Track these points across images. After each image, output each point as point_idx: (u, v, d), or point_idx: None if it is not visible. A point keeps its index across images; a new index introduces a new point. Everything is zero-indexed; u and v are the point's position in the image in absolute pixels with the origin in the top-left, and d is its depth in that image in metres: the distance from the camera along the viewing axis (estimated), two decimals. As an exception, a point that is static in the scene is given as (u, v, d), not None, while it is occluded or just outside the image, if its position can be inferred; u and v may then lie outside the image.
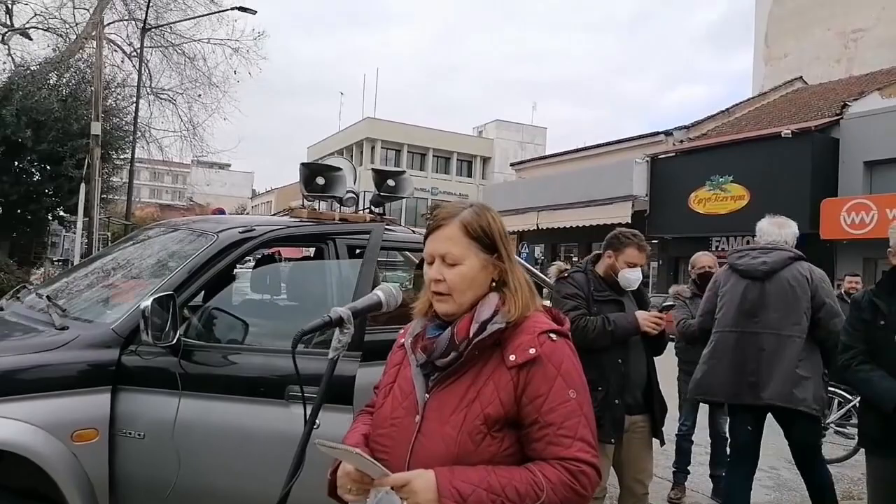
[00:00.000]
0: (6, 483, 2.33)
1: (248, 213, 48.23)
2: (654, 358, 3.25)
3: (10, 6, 16.06)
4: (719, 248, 18.02)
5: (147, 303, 2.34)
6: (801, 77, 24.59)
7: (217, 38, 18.63)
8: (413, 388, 1.44)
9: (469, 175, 45.51)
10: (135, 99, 17.41)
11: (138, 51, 17.56)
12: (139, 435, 2.46)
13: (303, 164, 3.34)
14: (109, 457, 2.42)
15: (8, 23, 16.18)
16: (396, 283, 1.81)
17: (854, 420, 6.04)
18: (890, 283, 2.76)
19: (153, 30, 17.87)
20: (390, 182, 3.57)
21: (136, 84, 17.51)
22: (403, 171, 3.75)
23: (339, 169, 3.38)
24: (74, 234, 14.42)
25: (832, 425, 6.21)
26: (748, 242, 17.27)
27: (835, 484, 3.61)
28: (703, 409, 4.60)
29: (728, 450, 4.13)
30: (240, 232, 2.91)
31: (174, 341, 2.42)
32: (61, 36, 16.35)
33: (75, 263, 10.46)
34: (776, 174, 16.78)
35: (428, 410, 1.39)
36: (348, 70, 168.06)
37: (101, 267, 3.44)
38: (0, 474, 2.30)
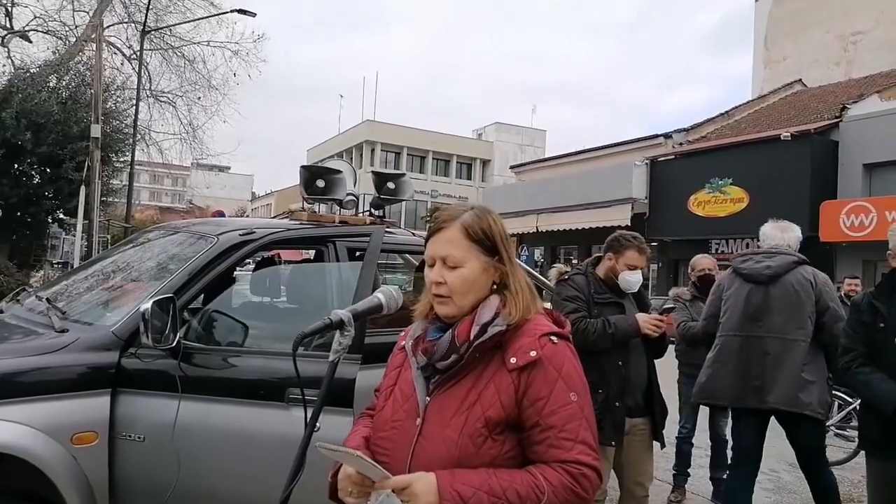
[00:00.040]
0: (6, 485, 2.33)
1: (247, 216, 48.25)
2: (655, 360, 3.25)
3: (9, 9, 16.07)
4: (719, 251, 18.06)
5: (147, 305, 2.34)
6: (800, 80, 24.63)
7: (217, 40, 18.49)
8: (414, 390, 1.44)
9: (469, 178, 45.52)
10: (134, 101, 17.41)
11: (138, 53, 17.56)
12: (139, 438, 2.45)
13: (303, 167, 3.34)
14: (109, 459, 2.42)
15: (7, 25, 16.17)
16: (396, 285, 1.81)
17: (854, 422, 6.04)
18: (889, 285, 2.76)
19: (153, 32, 17.87)
20: (390, 185, 3.58)
21: (135, 87, 17.51)
22: (403, 174, 3.75)
23: (339, 171, 3.39)
24: (74, 236, 14.41)
25: (832, 428, 6.20)
26: (747, 245, 17.35)
27: (835, 486, 3.61)
28: (704, 412, 4.60)
29: (729, 452, 4.13)
30: (240, 235, 2.91)
31: (174, 344, 2.42)
32: (61, 39, 16.34)
33: (75, 266, 10.45)
34: (775, 177, 16.80)
35: (429, 413, 1.39)
36: (348, 73, 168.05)
37: (101, 269, 3.44)
38: (0, 477, 2.30)
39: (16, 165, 14.50)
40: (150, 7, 16.84)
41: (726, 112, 23.75)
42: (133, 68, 18.12)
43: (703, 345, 4.15)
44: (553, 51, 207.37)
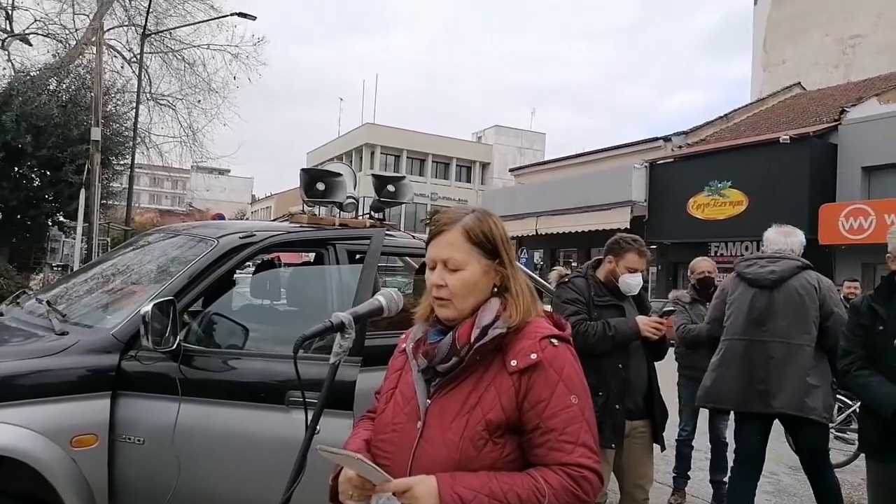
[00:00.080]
0: (5, 489, 2.32)
1: (247, 219, 48.25)
2: (655, 363, 3.25)
3: (9, 12, 16.08)
4: (718, 254, 18.07)
5: (147, 308, 2.34)
6: (799, 83, 24.67)
7: (217, 43, 18.52)
8: (415, 393, 1.44)
9: (468, 180, 45.56)
10: (134, 104, 17.41)
11: (138, 56, 17.56)
12: (139, 440, 2.45)
13: (303, 170, 3.35)
14: (109, 462, 2.42)
15: (8, 28, 16.19)
16: (395, 288, 1.81)
17: (854, 425, 6.04)
18: (888, 288, 2.76)
19: (153, 35, 17.88)
20: (390, 187, 3.58)
21: (135, 90, 17.50)
22: (403, 177, 3.76)
23: (340, 174, 3.39)
24: (74, 239, 14.39)
25: (833, 430, 6.20)
26: (746, 248, 17.37)
27: (835, 489, 3.61)
28: (703, 415, 4.60)
29: (729, 455, 4.13)
30: (240, 237, 2.91)
31: (174, 346, 2.42)
32: (61, 42, 16.36)
33: (75, 269, 10.45)
34: (774, 180, 16.82)
35: (429, 416, 1.39)
36: (348, 76, 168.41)
37: (101, 272, 3.43)
38: (-1, 480, 2.29)
39: (16, 168, 14.50)
40: (151, 10, 16.84)
41: (725, 115, 23.77)
42: (133, 71, 18.15)
43: (702, 348, 4.16)
44: (553, 53, 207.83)
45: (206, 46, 18.34)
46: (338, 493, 1.42)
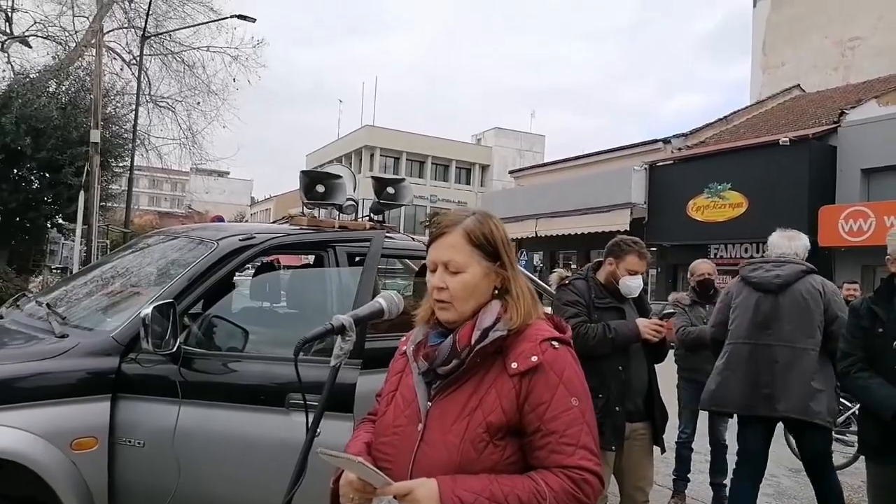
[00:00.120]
0: (5, 492, 2.32)
1: (246, 221, 48.23)
2: (655, 365, 3.26)
3: (9, 14, 16.09)
4: (718, 256, 18.06)
5: (147, 311, 2.34)
6: (798, 85, 24.70)
7: (216, 45, 18.57)
8: (415, 396, 1.44)
9: (468, 182, 45.59)
10: (134, 107, 17.42)
11: (138, 59, 17.59)
12: (139, 443, 2.45)
13: (303, 172, 3.34)
14: (109, 465, 2.41)
15: (7, 31, 16.19)
16: (395, 290, 1.82)
17: (854, 427, 6.03)
18: (888, 290, 2.76)
19: (152, 38, 17.89)
20: (390, 189, 3.58)
21: (135, 92, 17.53)
22: (403, 179, 3.76)
23: (339, 176, 3.39)
24: (73, 241, 14.38)
25: (833, 432, 6.20)
26: (746, 250, 17.38)
27: (836, 492, 3.61)
28: (703, 417, 4.60)
29: (729, 457, 4.13)
30: (240, 240, 2.91)
31: (174, 349, 2.42)
32: (61, 44, 16.37)
33: (74, 271, 10.45)
34: (774, 182, 16.83)
35: (430, 419, 1.39)
36: (347, 78, 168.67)
37: (101, 275, 3.44)
38: (-1, 483, 2.29)
39: (15, 170, 14.48)
40: (150, 12, 16.88)
41: (725, 117, 23.79)
42: (133, 73, 18.18)
43: (703, 350, 4.16)
44: (553, 54, 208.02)
45: (205, 48, 18.40)
46: (339, 496, 1.42)
